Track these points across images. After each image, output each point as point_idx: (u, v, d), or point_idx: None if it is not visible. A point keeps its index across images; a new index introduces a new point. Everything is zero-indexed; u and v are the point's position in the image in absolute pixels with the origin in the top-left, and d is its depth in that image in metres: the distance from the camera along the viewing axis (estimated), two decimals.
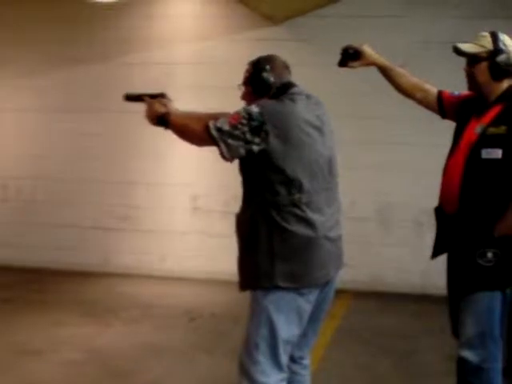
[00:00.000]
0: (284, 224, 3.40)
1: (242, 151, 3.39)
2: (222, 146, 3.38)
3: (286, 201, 3.41)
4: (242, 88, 3.71)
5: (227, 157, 3.42)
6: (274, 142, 3.37)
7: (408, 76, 4.25)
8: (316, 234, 3.45)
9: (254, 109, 3.41)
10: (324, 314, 3.78)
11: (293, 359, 3.73)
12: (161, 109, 3.66)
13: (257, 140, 3.37)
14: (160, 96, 3.77)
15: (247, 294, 3.58)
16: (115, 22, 9.10)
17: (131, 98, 3.82)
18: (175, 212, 9.04)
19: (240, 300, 3.54)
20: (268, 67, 3.60)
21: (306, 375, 3.82)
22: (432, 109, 4.23)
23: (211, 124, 3.40)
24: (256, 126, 3.36)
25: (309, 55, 7.97)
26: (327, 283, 3.63)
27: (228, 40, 8.69)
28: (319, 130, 3.60)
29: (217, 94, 8.17)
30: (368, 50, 4.17)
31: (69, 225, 9.27)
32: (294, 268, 3.41)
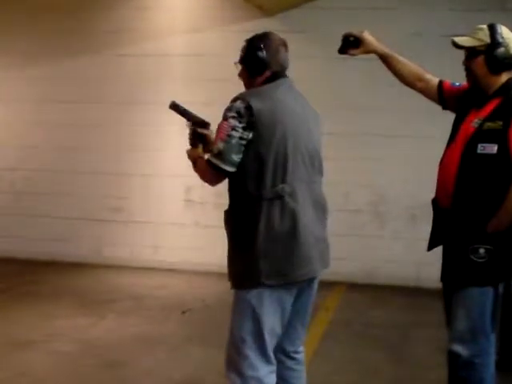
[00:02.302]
0: (268, 218, 3.36)
1: (241, 153, 3.38)
2: (228, 167, 3.38)
3: (270, 193, 3.37)
4: (239, 66, 3.67)
5: (232, 171, 3.40)
6: (260, 131, 3.35)
7: (409, 64, 4.17)
8: (300, 228, 3.41)
9: (240, 104, 3.37)
10: (310, 307, 3.75)
11: (286, 354, 3.72)
12: (198, 153, 3.68)
13: (250, 134, 3.35)
14: (203, 125, 3.74)
15: None
16: (108, 13, 9.09)
17: (176, 108, 3.77)
18: (168, 203, 9.04)
19: (233, 291, 3.53)
20: (262, 45, 3.53)
21: (300, 371, 3.80)
22: (432, 99, 4.17)
23: (209, 157, 3.45)
24: (246, 121, 3.34)
25: (303, 47, 7.93)
26: (311, 281, 3.61)
27: (221, 31, 8.67)
28: (304, 122, 3.59)
29: (210, 85, 8.17)
30: (369, 37, 4.09)
31: (62, 216, 9.26)
32: (279, 265, 3.38)
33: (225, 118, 3.39)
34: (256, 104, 3.36)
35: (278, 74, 3.58)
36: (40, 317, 6.59)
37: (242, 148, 3.36)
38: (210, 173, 3.47)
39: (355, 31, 4.11)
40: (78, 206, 9.23)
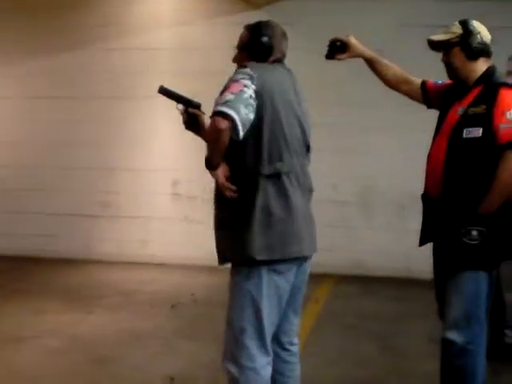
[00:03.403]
0: (265, 194, 3.37)
1: (251, 115, 3.28)
2: (236, 116, 3.17)
3: (268, 170, 3.37)
4: (236, 51, 3.65)
5: (241, 133, 3.23)
6: (261, 104, 3.33)
7: (393, 68, 4.29)
8: (293, 207, 3.43)
9: (249, 71, 3.34)
10: (302, 295, 3.75)
11: (282, 346, 3.72)
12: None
13: (256, 101, 3.31)
14: (195, 106, 3.70)
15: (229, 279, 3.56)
16: (94, 7, 9.06)
17: (165, 92, 3.75)
18: (156, 198, 9.03)
19: (222, 285, 3.53)
20: (268, 33, 3.54)
21: (295, 363, 3.80)
22: (417, 99, 4.29)
23: (215, 107, 3.24)
24: (256, 87, 3.30)
25: (290, 39, 7.92)
26: (302, 263, 3.61)
27: (208, 25, 8.66)
28: (300, 106, 3.61)
29: (197, 78, 8.13)
30: (355, 41, 4.19)
31: (50, 212, 9.25)
32: (270, 241, 3.37)
33: (234, 80, 3.31)
34: (258, 75, 3.35)
35: (278, 61, 3.61)
36: (30, 313, 6.57)
37: (251, 108, 3.27)
38: (213, 121, 3.21)
39: (341, 36, 4.18)
40: (65, 201, 9.20)
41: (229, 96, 3.22)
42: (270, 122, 3.38)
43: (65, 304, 6.92)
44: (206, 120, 3.56)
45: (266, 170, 3.38)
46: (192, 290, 7.48)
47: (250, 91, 3.27)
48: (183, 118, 3.71)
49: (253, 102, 3.28)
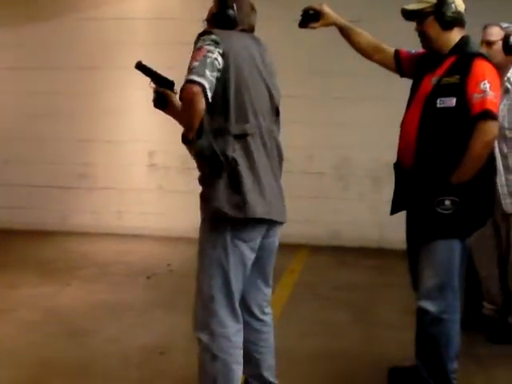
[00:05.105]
0: (233, 154, 3.39)
1: (216, 74, 3.30)
2: (204, 81, 3.20)
3: (235, 129, 3.39)
4: (206, 24, 3.65)
5: (209, 94, 3.23)
6: (228, 66, 3.35)
7: (366, 36, 4.31)
8: (257, 169, 3.46)
9: (213, 35, 3.35)
10: (271, 266, 3.78)
11: (254, 316, 3.75)
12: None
13: (223, 63, 3.33)
14: (168, 84, 3.69)
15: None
16: None
17: (142, 68, 3.74)
18: (132, 169, 9.00)
19: (196, 252, 3.54)
20: (234, 5, 3.52)
21: (268, 332, 3.83)
22: (390, 68, 4.33)
23: (186, 77, 3.25)
24: (222, 50, 3.32)
25: (268, 11, 7.86)
26: (269, 230, 3.62)
27: None
28: (268, 73, 3.62)
29: (172, 48, 8.09)
30: (328, 10, 4.21)
31: (25, 184, 9.19)
32: (241, 198, 3.39)
33: (198, 48, 3.33)
34: (224, 39, 3.35)
35: (246, 32, 3.61)
36: (4, 286, 6.54)
37: (217, 72, 3.29)
38: (186, 92, 3.21)
39: (315, 5, 4.20)
40: (40, 173, 9.15)
41: (193, 63, 3.25)
42: (236, 84, 3.39)
43: (40, 276, 6.90)
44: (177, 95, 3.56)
45: (234, 129, 3.40)
46: (168, 260, 7.49)
47: (214, 55, 3.29)
48: (154, 97, 3.70)
49: (218, 65, 3.30)
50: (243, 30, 3.59)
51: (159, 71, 3.74)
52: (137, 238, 8.66)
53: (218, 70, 3.31)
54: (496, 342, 5.06)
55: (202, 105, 3.22)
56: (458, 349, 4.05)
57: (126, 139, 8.90)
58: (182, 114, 3.40)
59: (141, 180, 9.00)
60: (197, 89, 3.18)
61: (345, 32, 4.28)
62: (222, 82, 3.35)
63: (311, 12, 4.16)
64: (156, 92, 3.69)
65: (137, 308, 5.95)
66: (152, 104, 3.70)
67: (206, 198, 3.49)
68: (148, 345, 5.06)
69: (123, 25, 8.83)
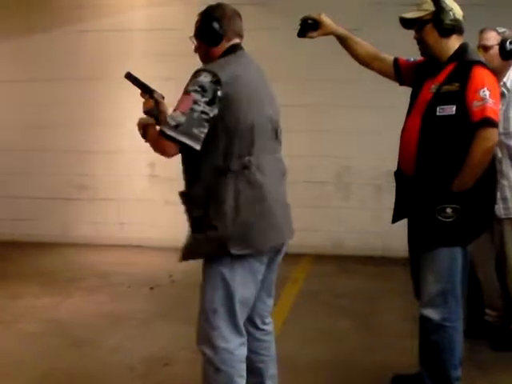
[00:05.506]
0: (235, 189, 3.35)
1: (206, 129, 3.31)
2: (188, 141, 3.28)
3: (237, 165, 3.36)
4: (194, 41, 3.64)
5: (198, 148, 3.30)
6: (227, 104, 3.32)
7: (365, 45, 4.33)
8: (268, 198, 3.42)
9: (204, 78, 3.30)
10: (275, 277, 3.77)
11: (255, 326, 3.74)
12: (148, 121, 3.65)
13: (214, 109, 3.30)
14: (151, 93, 3.76)
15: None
16: None
17: (131, 78, 3.78)
18: (133, 180, 8.99)
19: (200, 267, 3.53)
20: (217, 16, 3.50)
21: (269, 341, 3.82)
22: (389, 76, 4.35)
23: (163, 127, 3.33)
24: (211, 97, 3.28)
25: (265, 19, 7.90)
26: (280, 248, 3.63)
27: (182, 5, 8.56)
28: (267, 95, 3.61)
29: (172, 60, 8.10)
30: (326, 19, 4.22)
31: (26, 196, 9.18)
32: (247, 235, 3.37)
33: (186, 92, 3.32)
34: (223, 76, 3.31)
35: (237, 47, 3.57)
36: (7, 297, 6.54)
37: (205, 123, 3.29)
38: (163, 144, 3.35)
39: (313, 14, 4.21)
40: (41, 184, 9.14)
41: (179, 117, 3.28)
42: (239, 120, 3.36)
43: (42, 287, 6.90)
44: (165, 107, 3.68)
45: (236, 165, 3.37)
46: (170, 271, 7.48)
47: (200, 107, 3.28)
48: (147, 105, 3.75)
49: (205, 117, 3.29)
50: (233, 45, 3.55)
51: (158, 82, 3.76)
52: (138, 249, 8.64)
53: (207, 121, 3.29)
54: (499, 349, 5.05)
55: (171, 155, 3.40)
56: (461, 356, 4.05)
57: (127, 150, 8.89)
58: (152, 145, 3.50)
59: (142, 191, 8.98)
60: (173, 151, 3.36)
61: (343, 41, 4.31)
62: (221, 125, 3.34)
63: (310, 21, 4.17)
64: (152, 98, 3.74)
65: (139, 319, 5.94)
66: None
67: (210, 241, 3.44)
68: (151, 356, 5.06)
69: (122, 36, 8.83)
